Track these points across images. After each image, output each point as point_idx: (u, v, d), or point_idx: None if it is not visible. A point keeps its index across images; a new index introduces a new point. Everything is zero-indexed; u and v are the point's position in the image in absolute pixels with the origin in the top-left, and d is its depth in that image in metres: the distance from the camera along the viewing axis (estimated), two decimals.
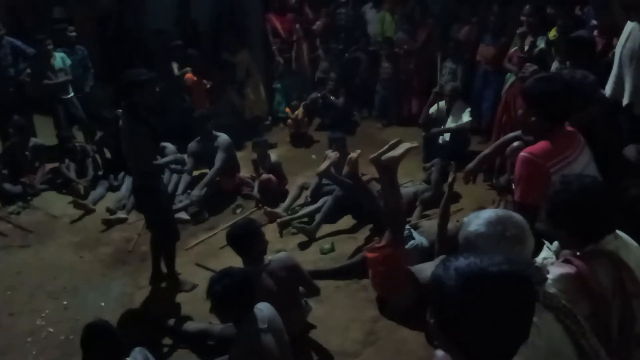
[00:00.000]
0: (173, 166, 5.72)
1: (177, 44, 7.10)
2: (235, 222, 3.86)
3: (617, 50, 3.33)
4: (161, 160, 4.02)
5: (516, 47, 5.27)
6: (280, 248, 4.67)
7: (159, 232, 4.20)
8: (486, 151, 3.49)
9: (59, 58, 6.60)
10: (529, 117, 2.59)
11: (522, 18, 5.29)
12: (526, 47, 5.03)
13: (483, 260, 1.19)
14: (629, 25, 3.35)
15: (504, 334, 1.17)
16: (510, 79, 5.40)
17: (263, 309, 2.86)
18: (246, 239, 3.35)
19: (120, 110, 4.23)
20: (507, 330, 1.17)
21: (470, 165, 3.47)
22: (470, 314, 1.15)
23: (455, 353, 1.26)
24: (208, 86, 6.96)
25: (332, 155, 5.10)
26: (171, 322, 3.81)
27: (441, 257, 3.38)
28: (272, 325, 2.81)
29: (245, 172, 6.03)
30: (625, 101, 3.32)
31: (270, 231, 5.07)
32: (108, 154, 6.41)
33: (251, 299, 2.79)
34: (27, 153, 6.13)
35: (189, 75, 6.79)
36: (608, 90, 3.38)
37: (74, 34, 6.89)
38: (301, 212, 5.22)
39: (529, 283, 1.21)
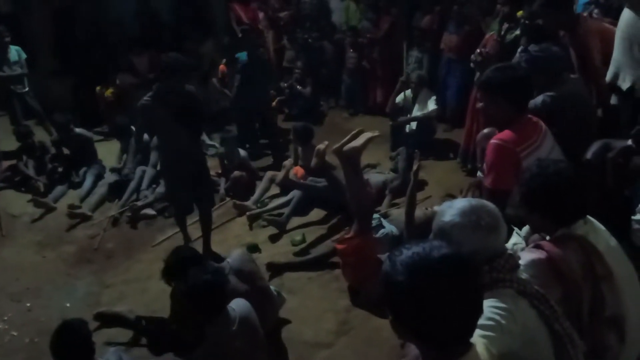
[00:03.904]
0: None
1: None
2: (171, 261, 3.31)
3: (617, 36, 3.38)
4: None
5: (492, 32, 5.31)
6: (251, 241, 4.64)
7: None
8: None
9: (14, 51, 6.38)
10: (489, 108, 2.61)
11: (498, 6, 5.34)
12: (502, 32, 5.07)
13: (425, 248, 1.22)
14: (626, 11, 3.40)
15: (458, 315, 1.20)
16: None
17: (236, 307, 2.81)
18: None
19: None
20: (459, 310, 1.20)
21: None
22: (422, 302, 1.18)
23: (417, 343, 1.29)
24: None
25: (288, 163, 5.20)
26: (141, 320, 3.73)
27: None
28: (244, 323, 2.76)
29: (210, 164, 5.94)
30: (625, 85, 3.38)
31: (239, 224, 5.03)
32: (67, 151, 6.21)
33: (223, 298, 2.73)
34: None
35: (222, 67, 6.61)
36: (609, 75, 3.43)
37: (8, 38, 6.44)
38: (271, 205, 5.18)
39: (470, 262, 1.25)
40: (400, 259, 1.22)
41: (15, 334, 3.76)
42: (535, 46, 3.25)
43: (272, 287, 3.65)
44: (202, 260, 3.29)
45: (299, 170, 5.42)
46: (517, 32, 4.95)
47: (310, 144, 5.26)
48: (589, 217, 1.95)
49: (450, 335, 1.22)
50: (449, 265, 1.20)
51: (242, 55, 6.52)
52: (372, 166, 5.70)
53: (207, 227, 4.48)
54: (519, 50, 4.24)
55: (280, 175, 5.15)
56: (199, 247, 4.51)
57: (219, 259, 4.26)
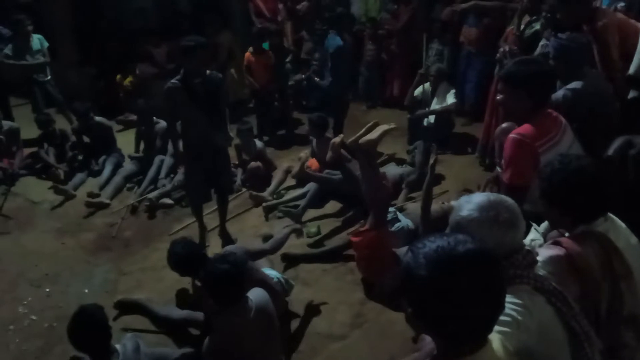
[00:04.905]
0: None
1: None
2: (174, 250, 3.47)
3: None
4: None
5: (512, 26, 5.24)
6: (266, 232, 4.65)
7: None
8: None
9: (37, 39, 6.45)
10: (510, 101, 2.58)
11: None
12: (522, 27, 5.01)
13: (449, 242, 1.19)
14: None
15: (480, 312, 1.18)
16: None
17: (253, 297, 2.83)
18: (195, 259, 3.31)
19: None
20: (481, 307, 1.18)
21: None
22: (445, 298, 1.16)
23: (435, 337, 1.28)
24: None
25: (303, 155, 5.17)
26: (155, 308, 3.77)
27: None
28: (260, 312, 2.78)
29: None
30: None
31: (256, 215, 5.05)
32: (87, 139, 6.28)
33: (241, 287, 2.76)
34: (1, 137, 5.98)
35: (247, 55, 6.64)
36: (632, 68, 3.37)
37: (31, 27, 6.52)
38: (287, 196, 5.20)
39: (494, 257, 1.22)
40: (423, 252, 1.19)
41: (34, 318, 3.82)
42: (564, 34, 3.21)
43: (279, 275, 3.65)
44: (199, 256, 3.35)
45: (313, 163, 5.42)
46: (537, 27, 4.88)
47: (325, 136, 5.27)
48: (609, 214, 1.91)
49: (471, 331, 1.20)
50: (474, 261, 1.17)
51: (266, 45, 6.47)
52: (391, 157, 5.71)
53: (224, 213, 4.55)
54: (541, 43, 4.18)
55: (295, 168, 5.15)
56: (214, 235, 4.58)
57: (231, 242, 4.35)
